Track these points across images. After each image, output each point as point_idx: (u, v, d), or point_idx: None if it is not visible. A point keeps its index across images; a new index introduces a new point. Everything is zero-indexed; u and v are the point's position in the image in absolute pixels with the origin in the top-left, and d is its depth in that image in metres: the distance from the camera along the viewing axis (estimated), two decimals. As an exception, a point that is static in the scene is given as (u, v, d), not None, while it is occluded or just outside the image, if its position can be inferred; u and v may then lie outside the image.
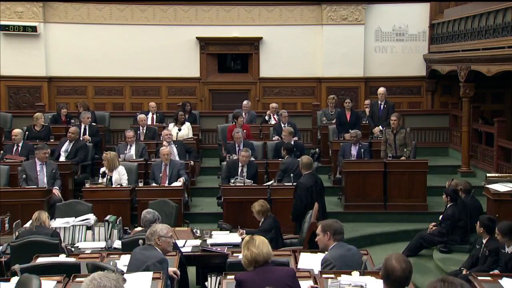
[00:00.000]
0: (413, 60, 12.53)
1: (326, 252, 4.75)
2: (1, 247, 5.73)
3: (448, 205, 7.48)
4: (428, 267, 7.21)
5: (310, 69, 12.54)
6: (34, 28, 12.01)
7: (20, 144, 8.99)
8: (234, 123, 10.11)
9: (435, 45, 12.20)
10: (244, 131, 9.71)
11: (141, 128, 10.24)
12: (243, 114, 10.71)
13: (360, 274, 4.39)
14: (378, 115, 10.21)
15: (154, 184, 8.18)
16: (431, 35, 12.41)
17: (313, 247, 5.60)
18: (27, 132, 9.47)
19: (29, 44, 12.08)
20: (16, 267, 4.64)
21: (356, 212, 8.84)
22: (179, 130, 10.11)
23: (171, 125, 10.25)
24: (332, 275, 4.44)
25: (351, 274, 4.38)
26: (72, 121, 10.45)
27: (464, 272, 5.85)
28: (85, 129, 9.91)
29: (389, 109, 10.09)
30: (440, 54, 11.69)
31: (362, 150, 9.20)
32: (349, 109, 10.32)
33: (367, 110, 10.92)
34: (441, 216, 7.60)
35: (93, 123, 10.27)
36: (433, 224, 7.62)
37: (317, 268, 4.76)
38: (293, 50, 12.42)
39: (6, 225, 6.16)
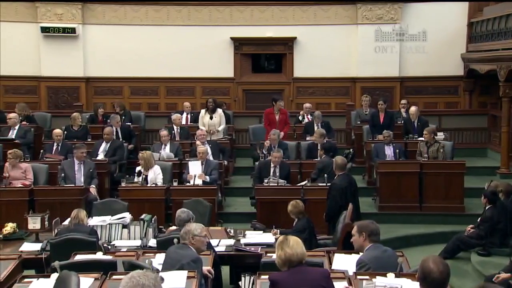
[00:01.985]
0: (450, 60, 12.27)
1: (361, 253, 4.71)
2: (41, 244, 5.88)
3: (486, 207, 7.31)
4: (465, 270, 7.06)
5: (345, 69, 12.43)
6: (73, 30, 12.25)
7: (60, 144, 9.21)
8: (272, 105, 10.03)
9: (473, 44, 11.92)
10: (278, 132, 9.66)
11: (175, 127, 10.35)
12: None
13: (396, 276, 4.34)
14: (413, 133, 10.00)
15: (188, 184, 8.26)
16: (469, 34, 12.12)
17: (347, 248, 5.56)
18: (65, 132, 9.68)
19: (68, 45, 12.32)
20: (56, 264, 4.74)
21: (391, 213, 8.72)
22: (211, 118, 10.16)
23: (202, 111, 10.31)
24: (367, 277, 4.40)
25: (386, 276, 4.33)
26: (109, 121, 10.64)
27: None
28: (117, 131, 10.00)
29: (423, 126, 9.73)
30: (478, 53, 11.42)
31: (397, 150, 9.09)
32: (383, 111, 10.20)
33: (403, 110, 10.77)
34: (479, 219, 7.44)
35: (128, 123, 10.43)
36: (471, 227, 7.46)
37: (351, 269, 4.72)
38: (327, 50, 12.33)
39: (46, 222, 6.30)
